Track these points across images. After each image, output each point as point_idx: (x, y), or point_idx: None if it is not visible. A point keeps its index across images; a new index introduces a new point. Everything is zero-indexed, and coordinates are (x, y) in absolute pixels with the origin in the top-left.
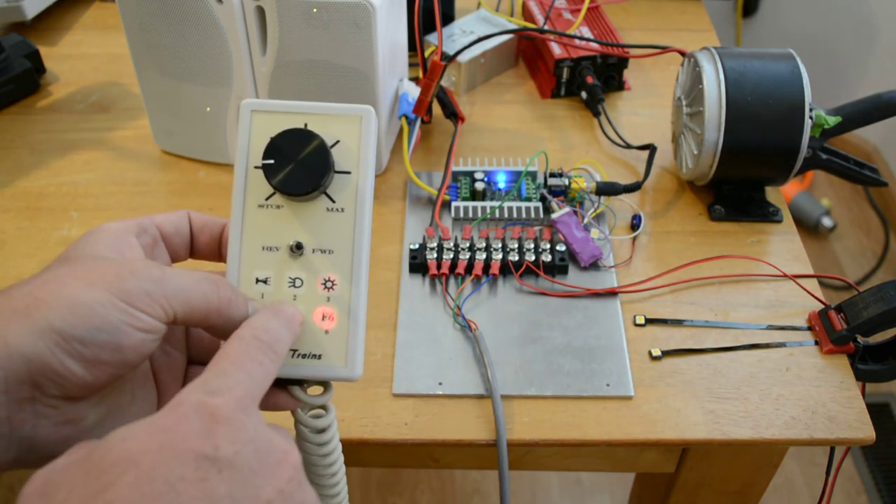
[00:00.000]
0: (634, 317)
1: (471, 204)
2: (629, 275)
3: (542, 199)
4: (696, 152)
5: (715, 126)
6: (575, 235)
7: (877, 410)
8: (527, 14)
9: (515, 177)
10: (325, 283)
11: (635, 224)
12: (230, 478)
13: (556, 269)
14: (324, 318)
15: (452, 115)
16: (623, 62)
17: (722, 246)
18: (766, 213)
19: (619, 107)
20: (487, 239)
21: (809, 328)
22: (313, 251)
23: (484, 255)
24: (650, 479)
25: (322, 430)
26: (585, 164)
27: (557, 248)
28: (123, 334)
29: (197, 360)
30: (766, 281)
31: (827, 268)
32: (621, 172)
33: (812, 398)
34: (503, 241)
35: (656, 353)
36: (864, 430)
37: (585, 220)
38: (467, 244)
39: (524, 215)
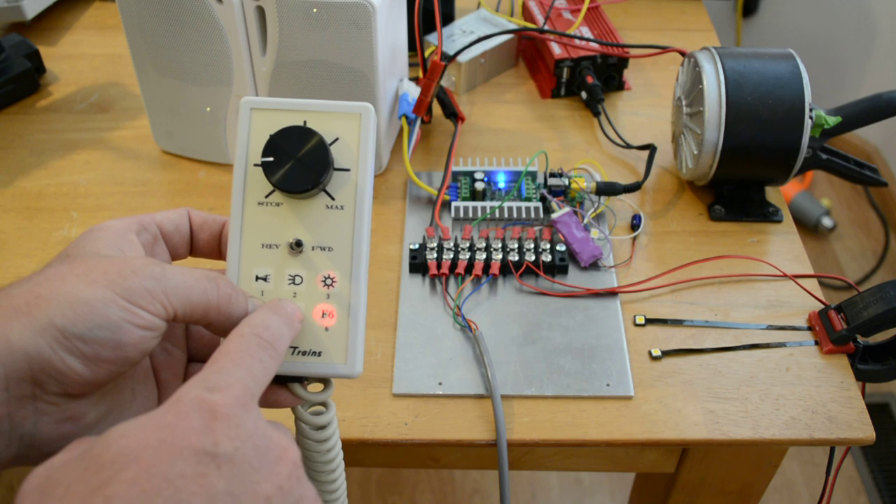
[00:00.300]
0: (634, 317)
1: (471, 204)
2: (629, 275)
3: (542, 199)
4: (696, 152)
5: (715, 126)
6: (575, 235)
7: (877, 410)
8: (527, 14)
9: (515, 177)
10: (324, 281)
11: (635, 224)
12: (229, 474)
13: (556, 269)
14: (323, 315)
15: (452, 115)
16: (623, 62)
17: (722, 246)
18: (766, 213)
19: (619, 107)
20: (487, 239)
21: (809, 328)
22: (313, 248)
23: (484, 255)
24: (650, 479)
25: (322, 427)
26: (585, 164)
27: (557, 248)
28: (124, 332)
29: (197, 357)
30: (766, 281)
31: (827, 268)
32: (621, 172)
33: (812, 398)
34: (503, 241)
35: (656, 353)
36: (864, 430)
37: (585, 220)
38: (467, 244)
39: (524, 215)
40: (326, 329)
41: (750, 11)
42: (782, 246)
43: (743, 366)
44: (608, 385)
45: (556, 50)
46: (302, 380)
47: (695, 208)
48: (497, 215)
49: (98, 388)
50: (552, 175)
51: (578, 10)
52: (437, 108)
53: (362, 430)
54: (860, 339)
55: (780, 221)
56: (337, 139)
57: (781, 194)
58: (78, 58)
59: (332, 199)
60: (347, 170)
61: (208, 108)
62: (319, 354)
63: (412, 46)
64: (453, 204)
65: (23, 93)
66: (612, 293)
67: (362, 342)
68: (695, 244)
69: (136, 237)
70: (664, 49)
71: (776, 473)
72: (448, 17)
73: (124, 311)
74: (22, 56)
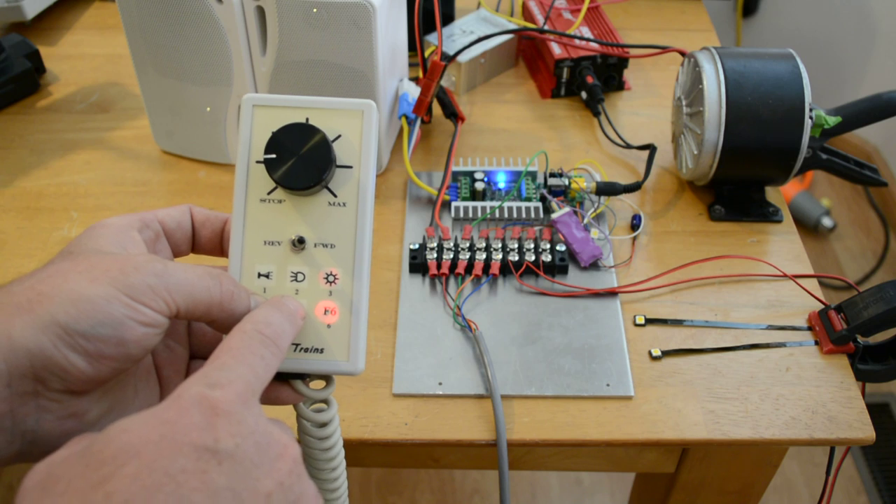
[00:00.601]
0: (634, 317)
1: (471, 204)
2: (629, 275)
3: (542, 199)
4: (696, 152)
5: (715, 126)
6: (575, 235)
7: (877, 410)
8: (527, 14)
9: (515, 177)
10: (326, 278)
11: (635, 224)
12: (230, 470)
13: (556, 269)
14: (326, 312)
15: (452, 115)
16: (623, 62)
17: (722, 246)
18: (766, 213)
19: (619, 107)
20: (487, 239)
21: (809, 328)
22: (315, 245)
23: (484, 255)
24: (650, 479)
25: (324, 425)
26: (585, 164)
27: (557, 248)
28: (126, 328)
29: (199, 354)
30: (766, 281)
31: (827, 268)
32: (621, 172)
33: (812, 398)
34: (503, 241)
35: (656, 353)
36: (864, 430)
37: (585, 220)
38: (467, 244)
39: (524, 215)
40: (328, 326)
41: (750, 11)
42: (782, 246)
43: (743, 366)
44: (608, 385)
45: (556, 50)
46: (304, 376)
47: (695, 208)
48: (497, 215)
49: (100, 385)
50: (552, 175)
51: (578, 10)
52: (437, 108)
53: (362, 430)
54: (860, 339)
55: (780, 221)
56: (339, 136)
57: (781, 194)
58: (78, 58)
59: (335, 196)
60: (350, 167)
61: (208, 108)
62: (321, 351)
63: (412, 46)
64: (453, 204)
65: (23, 93)
66: (612, 293)
67: (364, 339)
68: (695, 244)
69: (139, 234)
70: (664, 49)
71: (776, 473)
72: (448, 17)
73: (127, 308)
74: (22, 56)
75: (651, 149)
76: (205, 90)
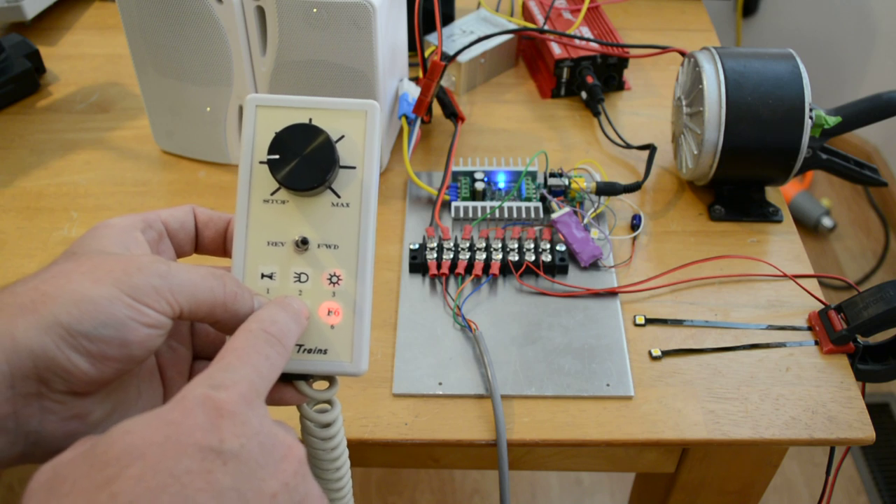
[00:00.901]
0: (634, 317)
1: (471, 204)
2: (629, 275)
3: (542, 199)
4: (696, 152)
5: (715, 126)
6: (575, 235)
7: (877, 410)
8: (527, 14)
9: (515, 177)
10: (330, 279)
11: (635, 224)
12: (235, 471)
13: (556, 269)
14: (329, 313)
15: (452, 115)
16: (623, 62)
17: (722, 246)
18: (766, 213)
19: (619, 107)
20: (487, 239)
21: (809, 328)
22: (318, 246)
23: (484, 255)
24: (650, 479)
25: (327, 425)
26: (585, 164)
27: (557, 248)
28: (130, 330)
29: (202, 354)
30: (766, 281)
31: (827, 268)
32: (621, 172)
33: (812, 398)
34: (503, 241)
35: (656, 353)
36: (864, 430)
37: (585, 220)
38: (467, 244)
39: (524, 215)
40: (332, 327)
41: (750, 11)
42: (782, 246)
43: (743, 366)
44: (608, 385)
45: (556, 50)
46: (307, 377)
47: (695, 208)
48: (497, 215)
49: (104, 387)
50: (552, 175)
51: (578, 10)
52: (437, 108)
53: (362, 430)
54: (860, 339)
55: (780, 221)
56: (342, 137)
57: (781, 194)
58: (78, 58)
59: (338, 196)
60: (353, 167)
61: (208, 108)
62: (325, 352)
63: (412, 46)
64: (453, 204)
65: (23, 93)
66: (612, 293)
67: (368, 340)
68: (695, 244)
69: (142, 234)
70: (664, 49)
71: (776, 473)
72: (448, 17)
73: (130, 309)
74: (22, 56)
75: (651, 149)
76: (205, 90)
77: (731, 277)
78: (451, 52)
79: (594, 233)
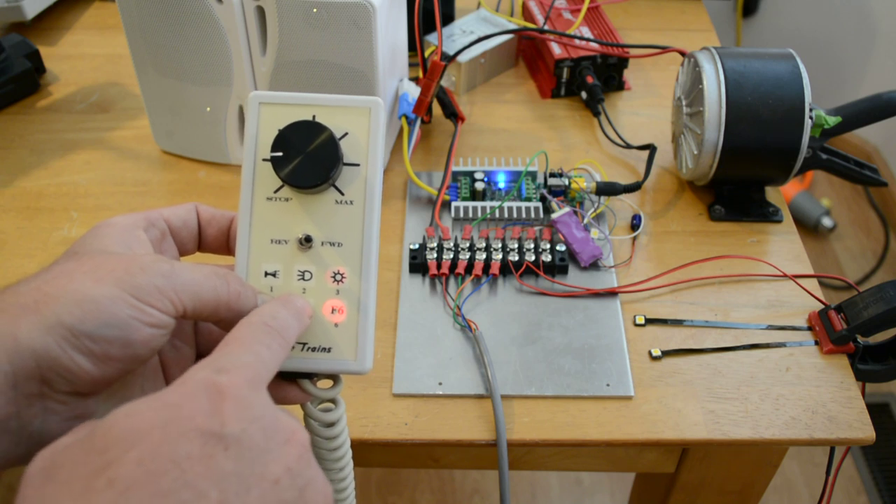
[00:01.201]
0: (634, 317)
1: (471, 204)
2: (629, 275)
3: (542, 199)
4: (696, 152)
5: (715, 126)
6: (575, 235)
7: (877, 410)
8: (527, 14)
9: (515, 177)
10: (334, 276)
11: (635, 224)
12: (237, 455)
13: (556, 269)
14: (333, 311)
15: (452, 115)
16: (623, 62)
17: (722, 246)
18: (766, 213)
19: (619, 107)
20: (487, 239)
21: (809, 328)
22: (322, 244)
23: (484, 255)
24: (650, 479)
25: (331, 424)
26: (585, 164)
27: (557, 248)
28: (133, 329)
29: (206, 353)
30: (766, 281)
31: (827, 268)
32: (621, 172)
33: (812, 398)
34: (503, 241)
35: (656, 353)
36: (864, 430)
37: (585, 220)
38: (467, 244)
39: (524, 215)
40: (336, 325)
41: (750, 11)
42: (782, 246)
43: (743, 366)
44: (608, 385)
45: (556, 50)
46: (311, 376)
47: (695, 208)
48: (497, 215)
49: (107, 386)
50: (552, 175)
51: (578, 10)
52: (437, 108)
53: (362, 430)
54: (860, 339)
55: (780, 221)
56: (346, 134)
57: (781, 194)
58: (78, 58)
59: (342, 194)
60: (357, 165)
61: (208, 108)
62: (329, 350)
63: (412, 46)
64: (453, 204)
65: (23, 93)
66: (612, 293)
67: (372, 338)
68: (695, 244)
69: (144, 233)
70: (664, 49)
71: (776, 473)
72: (448, 17)
73: (133, 309)
74: (22, 56)
75: (651, 149)
76: (205, 90)
77: (731, 277)
78: (451, 52)
79: (594, 233)
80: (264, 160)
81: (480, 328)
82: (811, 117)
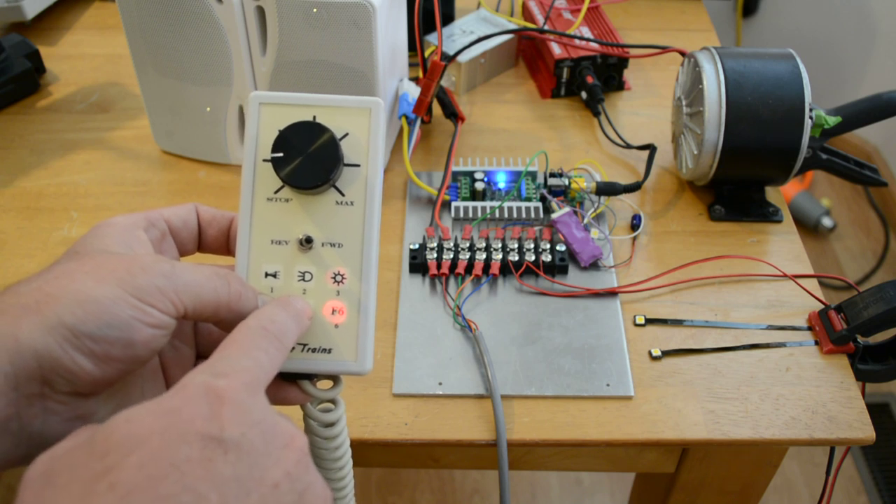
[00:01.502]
0: (634, 317)
1: (471, 204)
2: (629, 275)
3: (542, 199)
4: (696, 152)
5: (715, 126)
6: (575, 235)
7: (877, 410)
8: (527, 14)
9: (515, 177)
10: (334, 277)
11: (635, 224)
12: (236, 459)
13: (556, 269)
14: (333, 312)
15: (452, 115)
16: (623, 62)
17: (722, 246)
18: (766, 213)
19: (619, 107)
20: (487, 239)
21: (809, 328)
22: (322, 245)
23: (484, 255)
24: (650, 479)
25: (331, 425)
26: (585, 164)
27: (557, 248)
28: (134, 330)
29: (206, 354)
30: (766, 281)
31: (827, 268)
32: (621, 172)
33: (812, 398)
34: (503, 241)
35: (656, 353)
36: (864, 430)
37: (585, 220)
38: (467, 244)
39: (524, 215)
40: (336, 326)
41: (750, 11)
42: (782, 246)
43: (743, 366)
44: (608, 385)
45: (556, 50)
46: (312, 377)
47: (695, 208)
48: (497, 215)
49: (107, 387)
50: (552, 175)
51: (578, 10)
52: (437, 108)
53: (362, 430)
54: (860, 339)
55: (780, 221)
56: (347, 134)
57: (781, 194)
58: (78, 58)
59: (342, 194)
60: (357, 165)
61: (208, 108)
62: (329, 351)
63: (412, 46)
64: (453, 204)
65: (23, 93)
66: (612, 293)
67: (372, 339)
68: (695, 244)
69: (145, 233)
70: (664, 49)
71: (776, 473)
72: (448, 17)
73: (134, 310)
74: (22, 56)
75: (651, 149)
76: (205, 90)
77: (731, 277)
78: (451, 52)
79: (594, 233)
80: (265, 161)
81: (480, 328)
82: (811, 117)
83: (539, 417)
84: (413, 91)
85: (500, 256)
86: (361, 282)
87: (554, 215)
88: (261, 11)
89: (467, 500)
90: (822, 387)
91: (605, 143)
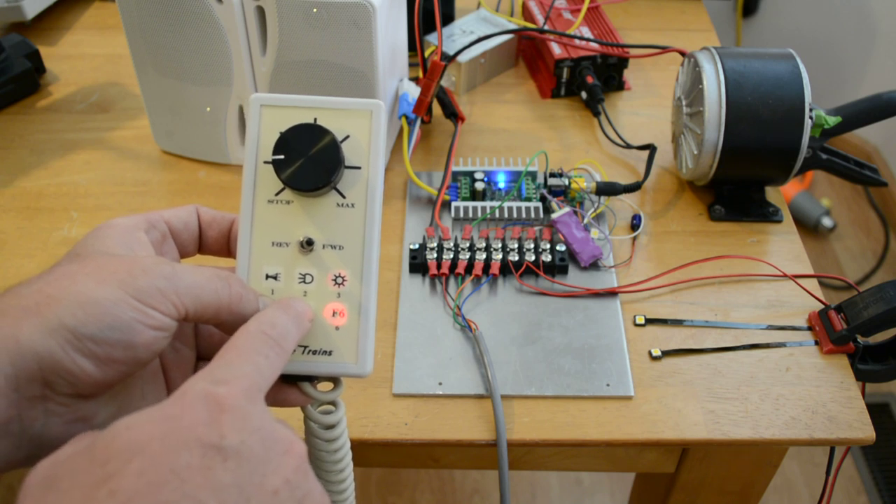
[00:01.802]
0: (634, 317)
1: (471, 204)
2: (629, 275)
3: (542, 199)
4: (696, 152)
5: (715, 126)
6: (575, 235)
7: (877, 410)
8: (527, 14)
9: (515, 177)
10: (335, 279)
11: (635, 224)
12: (236, 467)
13: (556, 269)
14: (334, 314)
15: (452, 115)
16: (623, 62)
17: (722, 246)
18: (766, 213)
19: (619, 107)
20: (487, 239)
21: (809, 328)
22: (323, 247)
23: (484, 255)
24: (650, 479)
25: (331, 426)
26: (585, 164)
27: (557, 248)
28: (136, 332)
29: (206, 355)
30: (766, 281)
31: (827, 268)
32: (621, 172)
33: (812, 398)
34: (503, 241)
35: (656, 353)
36: (864, 430)
37: (585, 220)
38: (467, 244)
39: (524, 215)
40: (337, 328)
41: (750, 11)
42: (782, 246)
43: (743, 366)
44: (608, 385)
45: (556, 50)
46: (312, 379)
47: (695, 208)
48: (497, 215)
49: (108, 389)
50: (552, 175)
51: (578, 10)
52: (437, 108)
53: (362, 430)
54: (860, 339)
55: (780, 221)
56: (348, 136)
57: (781, 194)
58: (78, 58)
59: (343, 197)
60: (358, 167)
61: (208, 108)
62: (330, 353)
63: (412, 46)
64: (453, 204)
65: (23, 93)
66: (612, 293)
67: (373, 341)
68: (695, 244)
69: (145, 235)
70: (664, 49)
71: (776, 473)
72: (448, 17)
73: (136, 312)
74: (22, 56)
75: (651, 149)
76: (205, 90)
77: (731, 277)
78: (451, 52)
79: (594, 233)
80: (265, 163)
81: (480, 328)
82: (811, 117)
83: (539, 417)
84: (413, 91)
85: (500, 256)
86: (362, 284)
87: (554, 215)
88: (261, 11)
89: (467, 500)
90: (822, 387)
91: (605, 143)
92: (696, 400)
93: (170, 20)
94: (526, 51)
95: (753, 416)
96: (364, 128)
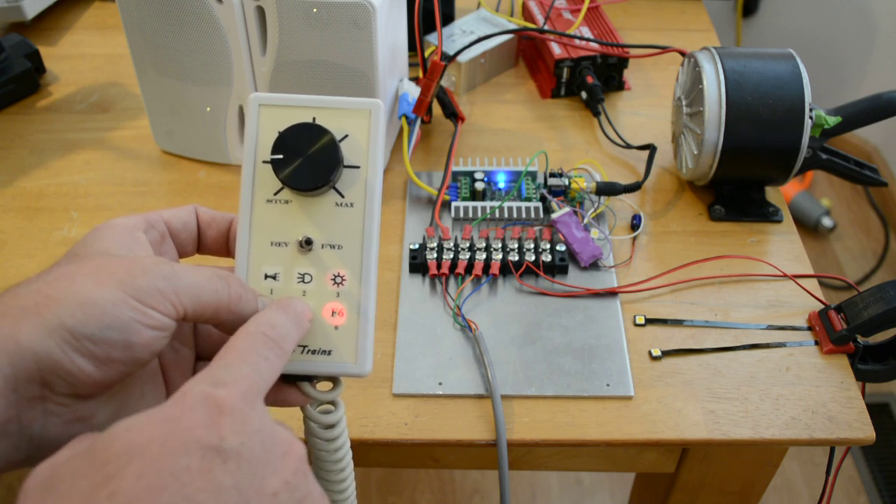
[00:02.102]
0: (634, 317)
1: (471, 204)
2: (629, 275)
3: (542, 199)
4: (696, 152)
5: (715, 126)
6: (575, 235)
7: (877, 410)
8: (527, 14)
9: (515, 177)
10: (334, 279)
11: (635, 224)
12: (236, 469)
13: (556, 269)
14: (333, 313)
15: (452, 115)
16: (623, 62)
17: (722, 246)
18: (766, 213)
19: (619, 107)
20: (487, 239)
21: (809, 328)
22: (322, 246)
23: (484, 255)
24: (650, 479)
25: (331, 426)
26: (585, 164)
27: (557, 248)
28: (135, 332)
29: (205, 355)
30: (766, 281)
31: (827, 268)
32: (621, 172)
33: (812, 398)
34: (503, 241)
35: (656, 353)
36: (864, 430)
37: (585, 220)
38: (467, 244)
39: (524, 215)
40: (336, 328)
41: (750, 11)
42: (782, 246)
43: (743, 366)
44: (608, 385)
45: (556, 50)
46: (311, 378)
47: (695, 208)
48: (497, 215)
49: (107, 389)
50: (552, 175)
51: (578, 10)
52: (437, 108)
53: (362, 430)
54: (860, 339)
55: (780, 221)
56: (346, 136)
57: (781, 194)
58: (78, 58)
59: (342, 196)
60: (357, 167)
61: (208, 108)
62: (329, 353)
63: (412, 46)
64: (453, 204)
65: (23, 93)
66: (612, 293)
67: (372, 341)
68: (695, 244)
69: (144, 235)
70: (664, 49)
71: (776, 473)
72: (448, 17)
73: (135, 312)
74: (22, 56)
75: (651, 149)
76: (205, 90)
77: (731, 277)
78: (451, 52)
79: (594, 233)
80: (264, 162)
81: (480, 328)
82: (811, 117)
83: (539, 417)
84: (413, 91)
85: (500, 256)
86: (361, 283)
87: (554, 215)
88: (261, 11)
89: (467, 500)
90: (822, 387)
91: (605, 143)
92: (696, 400)
93: (170, 20)
94: (526, 51)
95: (753, 416)
96: (363, 127)
